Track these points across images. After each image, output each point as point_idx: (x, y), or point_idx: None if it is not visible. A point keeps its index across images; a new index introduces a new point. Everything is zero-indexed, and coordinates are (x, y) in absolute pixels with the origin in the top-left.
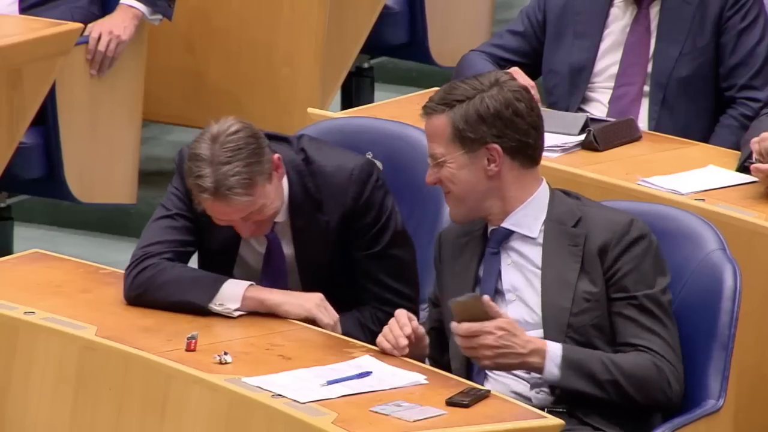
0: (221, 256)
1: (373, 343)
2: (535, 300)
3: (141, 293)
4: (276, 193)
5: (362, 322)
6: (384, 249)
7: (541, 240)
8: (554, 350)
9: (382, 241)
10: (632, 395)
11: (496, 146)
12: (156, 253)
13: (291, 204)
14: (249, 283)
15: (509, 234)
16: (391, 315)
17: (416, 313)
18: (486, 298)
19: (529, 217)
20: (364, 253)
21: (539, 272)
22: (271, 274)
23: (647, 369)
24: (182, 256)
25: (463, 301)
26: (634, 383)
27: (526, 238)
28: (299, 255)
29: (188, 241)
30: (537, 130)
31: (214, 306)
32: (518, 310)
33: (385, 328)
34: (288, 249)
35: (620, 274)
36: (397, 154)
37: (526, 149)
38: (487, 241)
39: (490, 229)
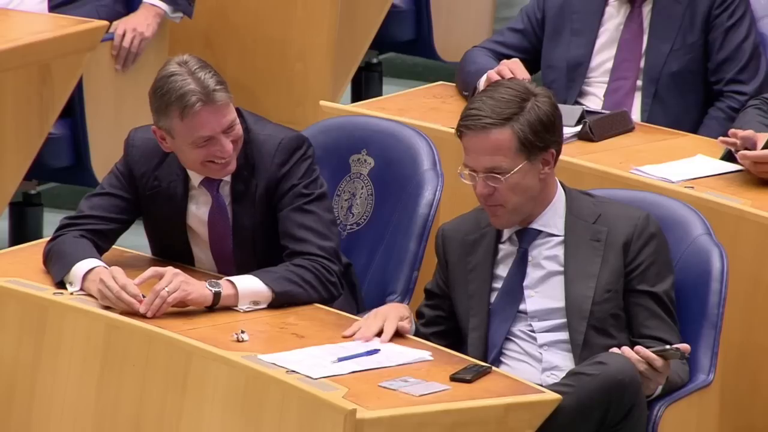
0: (171, 227)
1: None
2: (556, 293)
3: (44, 260)
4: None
5: (275, 276)
6: (304, 204)
7: (563, 236)
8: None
9: (303, 199)
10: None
11: (553, 150)
12: (69, 225)
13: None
14: (97, 265)
15: (537, 233)
16: (308, 267)
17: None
18: (685, 348)
19: (556, 216)
20: (287, 209)
21: (562, 268)
22: (216, 235)
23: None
24: (100, 231)
25: (673, 352)
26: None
27: (551, 235)
28: (235, 220)
29: (111, 218)
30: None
31: (69, 286)
32: (541, 302)
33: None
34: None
35: (644, 266)
36: (388, 150)
37: (560, 148)
38: (500, 237)
39: (515, 229)
